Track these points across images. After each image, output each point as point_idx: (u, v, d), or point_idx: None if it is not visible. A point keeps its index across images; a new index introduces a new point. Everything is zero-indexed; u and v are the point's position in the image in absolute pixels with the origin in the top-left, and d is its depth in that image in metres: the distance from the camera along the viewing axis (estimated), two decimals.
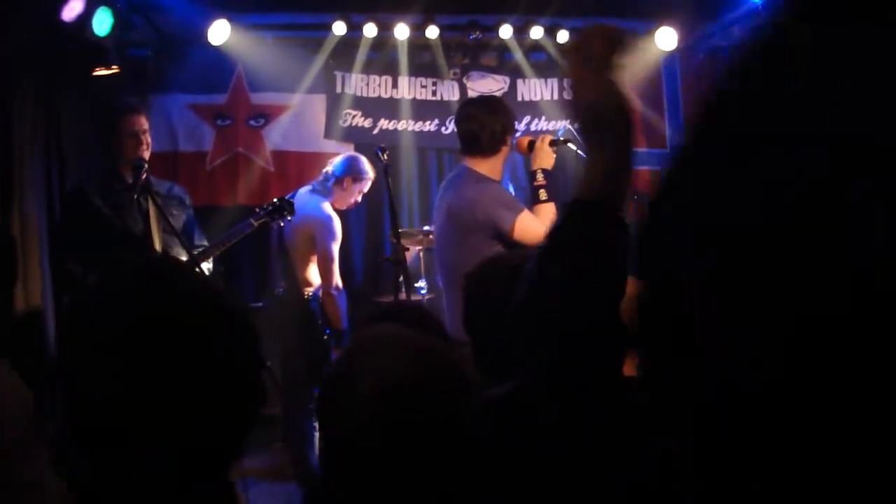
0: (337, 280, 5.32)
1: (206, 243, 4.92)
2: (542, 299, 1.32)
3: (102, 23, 5.29)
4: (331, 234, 5.32)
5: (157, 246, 4.66)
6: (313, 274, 5.44)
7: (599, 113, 1.28)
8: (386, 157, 4.61)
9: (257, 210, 4.91)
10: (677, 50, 6.89)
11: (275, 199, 4.98)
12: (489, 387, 1.61)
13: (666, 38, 6.74)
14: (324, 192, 5.42)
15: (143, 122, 4.80)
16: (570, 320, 1.30)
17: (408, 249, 5.58)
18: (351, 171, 5.45)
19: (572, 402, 1.33)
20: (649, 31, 6.80)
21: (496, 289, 2.20)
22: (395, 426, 1.45)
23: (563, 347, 1.32)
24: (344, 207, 5.53)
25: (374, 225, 6.87)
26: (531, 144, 4.21)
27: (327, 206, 5.37)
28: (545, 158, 4.16)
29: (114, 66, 5.60)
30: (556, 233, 1.31)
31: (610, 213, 1.27)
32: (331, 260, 5.31)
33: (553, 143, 4.32)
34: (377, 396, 1.46)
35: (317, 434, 4.50)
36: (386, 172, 4.66)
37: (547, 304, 1.31)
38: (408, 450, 1.46)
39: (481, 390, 1.57)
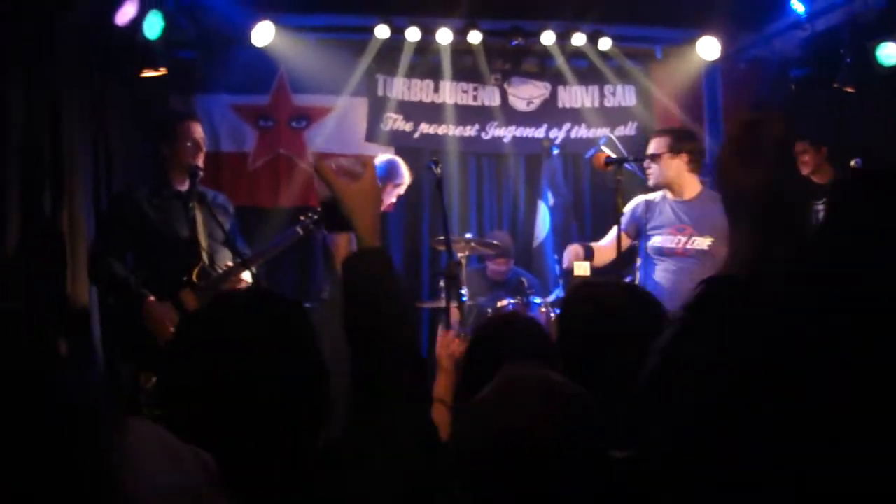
0: None
1: (247, 251, 4.93)
2: (675, 374, 1.33)
3: (153, 26, 5.33)
4: None
5: (204, 252, 4.70)
6: None
7: (746, 203, 1.28)
8: (439, 170, 4.60)
9: (302, 218, 4.92)
10: (719, 60, 6.86)
11: (319, 208, 5.00)
12: (609, 447, 1.64)
13: (708, 48, 6.71)
14: None
15: (201, 130, 4.84)
16: (700, 399, 1.31)
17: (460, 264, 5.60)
18: (389, 175, 5.52)
19: (691, 481, 1.33)
20: (691, 40, 6.78)
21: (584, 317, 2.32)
22: (533, 473, 1.52)
23: (690, 426, 1.32)
24: (381, 209, 5.57)
25: (413, 232, 6.88)
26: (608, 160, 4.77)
27: None
28: None
29: (161, 68, 5.64)
30: (693, 309, 1.32)
31: (746, 294, 1.28)
32: None
33: (609, 163, 4.62)
34: (516, 443, 1.53)
35: None
36: (439, 186, 4.66)
37: (677, 381, 1.32)
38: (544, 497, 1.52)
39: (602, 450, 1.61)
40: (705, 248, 4.78)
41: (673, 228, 4.88)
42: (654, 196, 5.04)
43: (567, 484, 1.52)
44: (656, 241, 4.91)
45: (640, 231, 5.03)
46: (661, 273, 4.86)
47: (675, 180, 4.92)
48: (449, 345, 3.29)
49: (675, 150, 4.89)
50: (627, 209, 5.10)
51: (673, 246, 4.85)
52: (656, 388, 1.37)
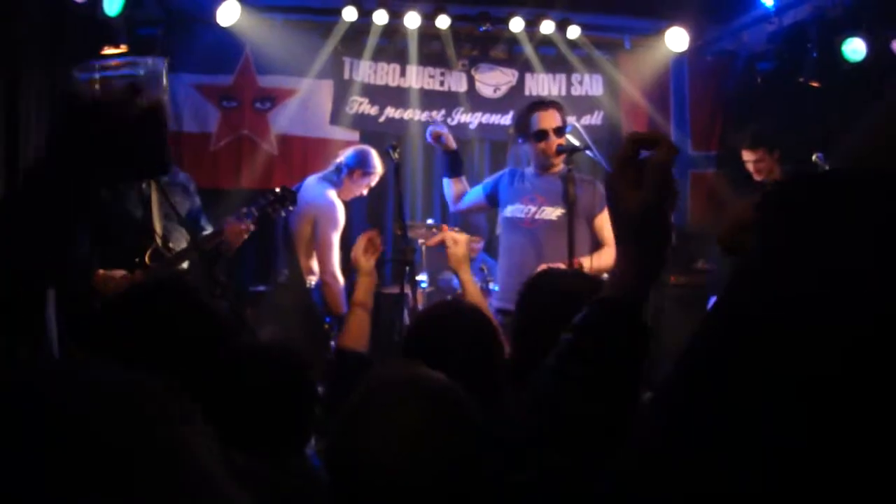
0: (333, 267, 5.33)
1: (209, 230, 4.88)
2: (560, 397, 1.32)
3: (113, 2, 5.25)
4: (331, 222, 5.35)
5: (158, 232, 4.64)
6: (315, 262, 5.48)
7: (634, 223, 1.26)
8: (397, 155, 4.56)
9: (259, 199, 4.87)
10: (687, 52, 6.85)
11: (276, 189, 4.94)
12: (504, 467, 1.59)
13: (676, 39, 6.70)
14: (333, 181, 5.45)
15: None
16: (583, 421, 1.29)
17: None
18: (361, 164, 5.47)
19: None
20: (660, 31, 6.78)
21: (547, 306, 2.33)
22: (408, 475, 1.44)
23: (574, 449, 1.30)
24: (349, 199, 5.56)
25: (376, 218, 6.82)
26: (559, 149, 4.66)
27: (332, 194, 5.39)
28: None
29: (122, 45, 5.55)
30: (577, 330, 1.30)
31: (631, 315, 1.27)
32: (329, 247, 5.33)
33: (560, 152, 4.55)
34: (390, 446, 1.45)
35: None
36: (397, 171, 4.62)
37: (564, 402, 1.30)
38: (420, 499, 1.45)
39: (500, 472, 1.55)
40: (553, 218, 4.70)
41: (525, 199, 4.79)
42: (523, 170, 4.98)
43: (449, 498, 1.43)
44: (508, 210, 4.84)
45: (497, 200, 4.97)
46: (511, 244, 4.82)
47: (557, 158, 4.79)
48: (365, 248, 3.28)
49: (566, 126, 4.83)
50: (496, 175, 5.13)
51: (522, 216, 4.77)
52: (546, 407, 1.35)
